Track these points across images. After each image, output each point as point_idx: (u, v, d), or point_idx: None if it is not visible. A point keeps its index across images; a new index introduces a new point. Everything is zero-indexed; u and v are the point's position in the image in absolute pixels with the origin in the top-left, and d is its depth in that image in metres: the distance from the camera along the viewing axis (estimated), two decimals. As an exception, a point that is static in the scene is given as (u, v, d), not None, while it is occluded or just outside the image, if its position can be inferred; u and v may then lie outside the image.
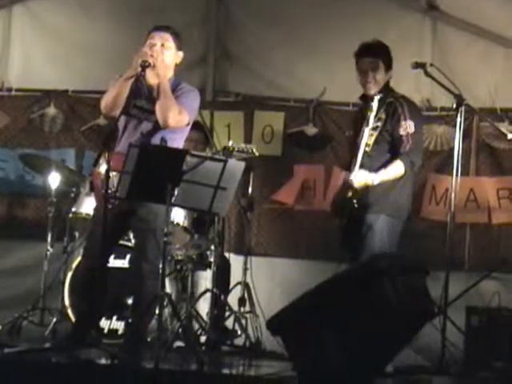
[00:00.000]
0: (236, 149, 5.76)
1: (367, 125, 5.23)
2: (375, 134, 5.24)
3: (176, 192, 4.91)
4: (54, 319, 6.14)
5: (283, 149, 7.14)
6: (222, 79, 7.36)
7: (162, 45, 5.28)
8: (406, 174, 5.25)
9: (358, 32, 6.33)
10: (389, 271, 4.22)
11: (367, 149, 5.24)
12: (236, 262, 6.51)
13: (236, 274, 6.39)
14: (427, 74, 5.28)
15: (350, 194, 5.18)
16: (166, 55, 5.28)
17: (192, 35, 7.18)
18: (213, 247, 6.01)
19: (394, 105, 5.27)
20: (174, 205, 5.02)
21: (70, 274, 6.06)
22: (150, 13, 6.95)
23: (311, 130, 7.07)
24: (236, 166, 5.07)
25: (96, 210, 5.35)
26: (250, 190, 6.36)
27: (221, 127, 7.14)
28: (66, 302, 6.01)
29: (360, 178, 5.16)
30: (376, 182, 5.19)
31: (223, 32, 7.30)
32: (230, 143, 5.81)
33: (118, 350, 4.95)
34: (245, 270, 6.26)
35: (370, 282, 4.18)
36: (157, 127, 5.23)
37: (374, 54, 5.39)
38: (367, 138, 5.24)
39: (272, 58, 7.17)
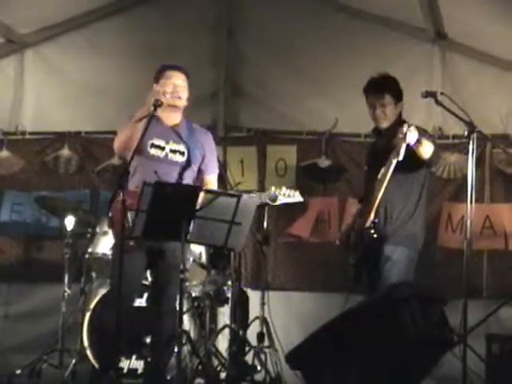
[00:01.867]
0: (282, 193, 5.69)
1: (395, 156, 5.18)
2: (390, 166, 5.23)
3: (191, 229, 4.92)
4: (74, 360, 6.11)
5: (297, 182, 7.14)
6: (233, 115, 7.40)
7: (184, 84, 5.36)
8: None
9: (368, 63, 6.37)
10: (406, 300, 4.20)
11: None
12: (253, 296, 6.50)
13: (253, 309, 6.37)
14: (438, 103, 5.27)
15: (368, 224, 5.19)
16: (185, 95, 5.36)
17: (202, 72, 7.23)
18: (230, 283, 6.00)
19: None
20: (190, 241, 5.03)
21: (88, 315, 6.04)
22: (159, 51, 7.01)
23: (324, 162, 7.09)
24: (250, 200, 5.09)
25: (116, 247, 5.31)
26: (265, 224, 6.36)
27: (234, 163, 7.17)
28: (85, 342, 6.00)
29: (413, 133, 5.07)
30: (422, 139, 5.07)
31: (233, 68, 7.35)
32: (273, 189, 5.68)
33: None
34: (262, 304, 6.24)
35: (389, 313, 4.16)
36: (172, 167, 5.28)
37: (381, 90, 5.43)
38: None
39: (283, 92, 7.20)
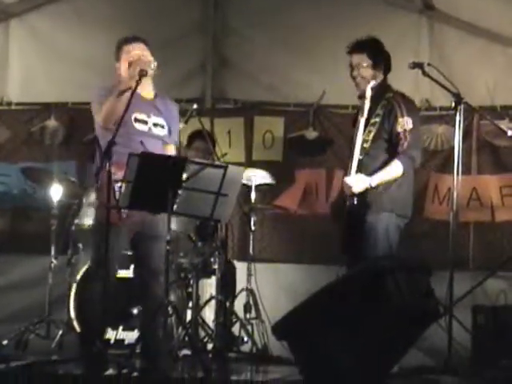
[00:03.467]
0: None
1: (362, 115, 5.20)
2: (373, 130, 5.20)
3: (177, 200, 4.91)
4: (60, 331, 6.13)
5: (284, 154, 7.14)
6: (220, 86, 7.37)
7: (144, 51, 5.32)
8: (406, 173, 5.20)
9: (355, 34, 6.31)
10: (392, 271, 4.21)
11: (365, 145, 5.20)
12: (240, 268, 6.51)
13: (240, 281, 6.39)
14: (425, 74, 5.27)
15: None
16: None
17: (189, 44, 7.21)
18: (217, 254, 6.01)
19: (391, 102, 5.23)
20: (176, 213, 5.01)
21: (74, 286, 6.04)
22: (146, 22, 6.97)
23: (311, 134, 7.07)
24: (237, 172, 5.08)
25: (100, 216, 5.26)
26: (252, 195, 6.35)
27: (221, 134, 7.15)
28: (72, 314, 6.00)
29: (358, 184, 5.11)
30: (374, 185, 5.14)
31: (220, 39, 7.32)
32: None
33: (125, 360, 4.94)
34: (249, 276, 6.26)
35: (373, 283, 4.17)
36: (156, 141, 5.29)
37: (354, 49, 5.36)
38: (366, 134, 5.22)
39: (270, 64, 7.18)
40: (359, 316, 4.19)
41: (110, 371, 4.80)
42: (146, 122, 5.30)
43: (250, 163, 7.01)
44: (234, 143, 7.20)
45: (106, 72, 6.85)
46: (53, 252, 6.42)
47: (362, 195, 5.15)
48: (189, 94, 7.21)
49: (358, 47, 5.36)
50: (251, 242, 6.42)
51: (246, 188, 6.29)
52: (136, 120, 5.26)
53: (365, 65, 5.33)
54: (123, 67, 5.29)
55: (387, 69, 5.38)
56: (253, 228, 6.41)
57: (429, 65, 5.27)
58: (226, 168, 4.92)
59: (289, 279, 6.92)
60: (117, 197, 4.97)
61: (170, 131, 5.35)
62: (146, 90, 5.34)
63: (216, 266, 6.01)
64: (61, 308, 6.30)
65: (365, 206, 5.14)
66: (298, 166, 7.12)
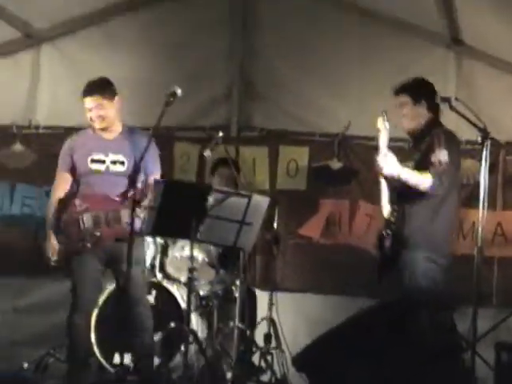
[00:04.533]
0: None
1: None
2: (412, 164, 5.20)
3: (201, 227, 4.91)
4: (80, 356, 6.11)
5: (308, 183, 7.14)
6: (246, 115, 7.39)
7: (98, 106, 5.53)
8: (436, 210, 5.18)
9: (383, 67, 6.35)
10: (416, 307, 4.18)
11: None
12: (261, 297, 6.48)
13: (261, 310, 6.37)
14: (452, 108, 5.26)
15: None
16: (107, 113, 5.55)
17: (216, 71, 7.25)
18: (238, 282, 6.00)
19: (433, 137, 5.23)
20: (199, 240, 5.02)
21: (95, 311, 6.04)
22: (174, 49, 7.02)
23: (336, 165, 7.06)
24: (261, 200, 5.08)
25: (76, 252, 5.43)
26: (275, 224, 6.34)
27: (246, 162, 7.16)
28: (92, 338, 5.99)
29: (388, 166, 5.07)
30: (401, 176, 5.06)
31: (247, 67, 7.35)
32: None
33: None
34: (270, 305, 6.23)
35: (397, 319, 4.14)
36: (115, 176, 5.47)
37: (399, 92, 5.39)
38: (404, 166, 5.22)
39: (296, 93, 7.19)
40: (382, 350, 4.17)
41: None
42: (103, 162, 5.48)
43: (274, 191, 7.00)
44: (259, 171, 7.21)
45: (135, 96, 6.95)
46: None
47: (398, 231, 5.12)
48: (215, 122, 7.24)
49: (400, 89, 5.39)
50: (273, 270, 6.41)
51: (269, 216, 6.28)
52: (92, 161, 5.48)
53: (407, 105, 5.35)
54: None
55: (433, 107, 5.35)
56: (275, 257, 6.39)
57: (456, 99, 5.25)
58: (250, 197, 4.93)
59: (310, 309, 6.88)
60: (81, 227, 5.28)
61: (135, 165, 5.35)
62: (108, 130, 5.58)
63: (237, 295, 5.98)
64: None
65: (401, 242, 5.09)
66: (321, 195, 7.11)
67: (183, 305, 5.72)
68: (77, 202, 5.40)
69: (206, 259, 6.09)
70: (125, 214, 5.26)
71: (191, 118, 7.31)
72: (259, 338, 6.23)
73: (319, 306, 6.85)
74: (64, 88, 7.34)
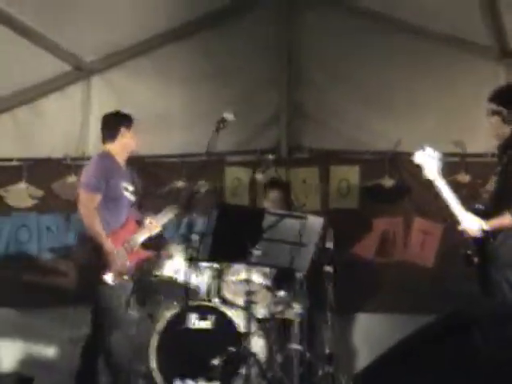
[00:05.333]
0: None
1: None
2: (495, 179, 5.14)
3: (256, 250, 4.94)
4: (141, 382, 6.15)
5: (360, 202, 7.12)
6: (295, 136, 7.42)
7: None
8: None
9: (431, 83, 6.32)
10: (479, 320, 4.12)
11: (485, 195, 5.16)
12: (318, 318, 6.46)
13: (319, 331, 6.35)
14: (505, 121, 5.20)
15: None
16: None
17: (264, 94, 7.30)
18: (295, 304, 5.99)
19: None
20: (255, 263, 5.04)
21: (155, 337, 6.08)
22: (222, 75, 7.09)
23: (388, 182, 7.05)
24: (315, 221, 5.09)
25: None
26: (329, 244, 6.33)
27: (297, 183, 7.17)
28: (153, 364, 6.02)
29: (472, 225, 5.03)
30: (486, 228, 4.99)
31: (294, 90, 7.37)
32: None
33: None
34: (329, 326, 6.20)
35: (459, 333, 4.10)
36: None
37: (491, 98, 5.23)
38: (489, 184, 5.18)
39: (344, 112, 7.21)
40: (443, 367, 4.12)
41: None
42: (127, 190, 5.76)
43: (326, 212, 7.00)
44: (310, 192, 7.21)
45: (184, 125, 7.02)
46: (131, 304, 6.47)
47: (481, 248, 5.04)
48: (265, 145, 7.29)
49: (492, 95, 5.24)
50: (329, 291, 6.37)
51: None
52: (125, 189, 5.73)
53: (495, 117, 5.20)
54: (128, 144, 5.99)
55: None
56: (330, 277, 6.37)
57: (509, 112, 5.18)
58: (305, 218, 4.95)
59: (369, 329, 6.84)
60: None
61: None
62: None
63: (294, 316, 5.97)
64: (141, 359, 6.33)
65: (486, 260, 5.01)
66: (374, 213, 7.09)
67: (241, 328, 5.72)
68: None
69: (263, 282, 6.09)
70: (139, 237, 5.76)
71: (241, 142, 7.36)
72: (319, 360, 6.21)
73: (377, 325, 6.80)
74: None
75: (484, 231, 5.01)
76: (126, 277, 5.52)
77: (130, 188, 5.78)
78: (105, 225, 5.59)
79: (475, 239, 5.04)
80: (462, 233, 5.10)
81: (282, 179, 6.75)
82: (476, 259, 5.03)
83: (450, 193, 5.13)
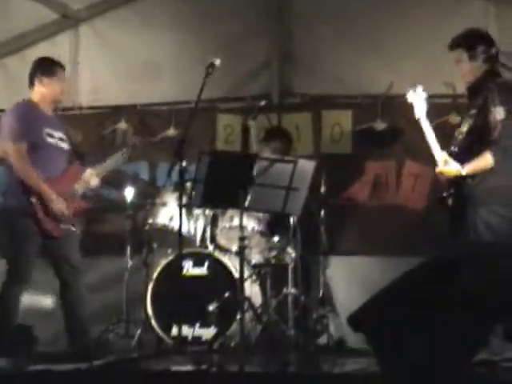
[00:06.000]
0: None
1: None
2: (469, 122, 5.14)
3: (249, 196, 4.95)
4: (139, 330, 6.22)
5: (353, 146, 7.12)
6: (287, 81, 7.37)
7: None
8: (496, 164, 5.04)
9: (421, 24, 6.28)
10: (472, 257, 4.15)
11: (460, 137, 5.15)
12: (312, 262, 6.51)
13: (313, 274, 6.40)
14: (471, 62, 5.19)
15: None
16: None
17: (254, 40, 7.24)
18: (289, 249, 6.03)
19: (486, 92, 5.10)
20: (248, 209, 5.06)
21: (150, 286, 6.13)
22: (210, 21, 7.04)
23: (380, 126, 7.03)
24: (306, 165, 5.10)
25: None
26: (321, 189, 6.35)
27: (289, 129, 7.14)
28: (149, 312, 6.08)
29: (450, 170, 5.05)
30: (464, 173, 5.00)
31: (285, 34, 7.32)
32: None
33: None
34: (322, 269, 6.26)
35: (450, 272, 4.13)
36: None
37: (452, 47, 5.28)
38: (462, 126, 5.18)
39: (336, 56, 7.15)
40: (435, 306, 4.16)
41: (189, 367, 4.86)
42: (53, 136, 5.70)
43: (319, 157, 7.01)
44: (303, 138, 7.21)
45: (173, 73, 6.98)
46: (128, 252, 6.51)
47: (457, 190, 5.06)
48: (255, 91, 7.25)
49: (454, 43, 5.28)
50: (322, 235, 6.41)
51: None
52: (47, 134, 5.66)
53: (463, 60, 5.24)
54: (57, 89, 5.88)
55: (490, 58, 5.23)
56: (323, 221, 6.41)
57: (498, 52, 5.17)
58: (296, 162, 4.95)
59: (361, 271, 6.86)
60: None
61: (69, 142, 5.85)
62: (49, 110, 5.83)
63: (289, 261, 6.02)
64: (138, 307, 6.39)
65: (461, 202, 5.03)
66: (367, 157, 7.09)
67: (236, 274, 5.77)
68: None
69: (256, 227, 6.12)
70: (78, 188, 5.77)
71: (232, 89, 7.33)
72: (314, 303, 6.28)
73: (370, 267, 6.82)
74: (103, 67, 7.44)
75: (461, 176, 5.02)
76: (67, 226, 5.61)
77: (57, 135, 5.73)
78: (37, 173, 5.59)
79: (451, 182, 5.06)
80: (438, 175, 5.13)
81: (283, 128, 6.74)
82: (450, 201, 5.05)
83: (432, 134, 5.15)
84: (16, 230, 5.55)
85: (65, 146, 5.80)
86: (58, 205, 5.54)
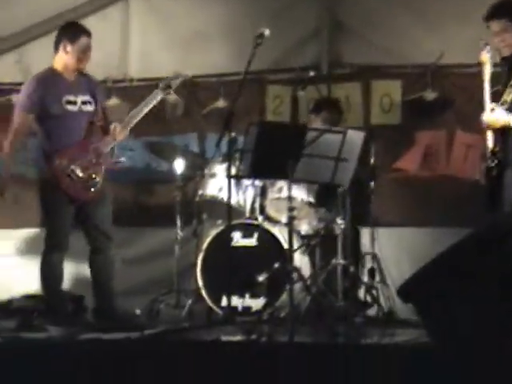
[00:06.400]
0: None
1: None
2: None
3: (298, 167, 4.94)
4: (190, 301, 6.26)
5: (402, 117, 7.06)
6: (336, 51, 7.31)
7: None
8: None
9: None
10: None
11: (505, 105, 5.09)
12: (363, 233, 6.49)
13: (363, 246, 6.39)
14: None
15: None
16: None
17: (302, 10, 7.20)
18: (338, 220, 6.02)
19: None
20: (297, 180, 5.05)
21: (201, 256, 6.16)
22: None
23: (430, 95, 6.95)
24: (355, 136, 5.08)
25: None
26: (371, 159, 6.31)
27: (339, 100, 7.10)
28: (200, 283, 6.12)
29: (498, 119, 4.99)
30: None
31: (335, 3, 7.26)
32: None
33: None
34: (372, 240, 6.24)
35: (499, 242, 4.09)
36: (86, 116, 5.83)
37: (498, 16, 5.19)
38: (506, 94, 5.11)
39: (386, 26, 7.08)
40: (485, 277, 4.12)
41: (239, 337, 4.90)
42: (75, 103, 5.71)
43: (368, 127, 6.96)
44: (352, 108, 7.16)
45: (225, 44, 6.99)
46: (178, 224, 6.55)
47: (504, 155, 5.02)
48: (304, 62, 7.22)
49: (495, 13, 5.19)
50: (373, 206, 6.38)
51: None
52: (66, 102, 5.68)
53: (504, 32, 5.16)
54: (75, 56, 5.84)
55: None
56: (373, 192, 6.38)
57: None
58: (344, 133, 4.93)
59: (411, 242, 6.84)
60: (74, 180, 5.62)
61: (95, 103, 5.82)
62: (73, 75, 5.82)
63: (339, 232, 6.01)
64: (188, 278, 6.44)
65: (505, 166, 5.01)
66: (417, 128, 7.03)
67: (285, 245, 5.78)
68: (56, 161, 5.64)
69: (305, 198, 6.11)
70: (104, 146, 5.80)
71: (281, 60, 7.30)
72: (363, 274, 6.26)
73: (420, 238, 6.79)
74: (154, 39, 7.46)
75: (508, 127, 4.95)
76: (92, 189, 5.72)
77: (80, 99, 5.76)
78: (56, 142, 5.68)
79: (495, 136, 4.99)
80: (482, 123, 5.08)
81: (333, 98, 6.70)
82: (495, 172, 4.99)
83: (488, 86, 5.09)
84: (47, 200, 5.74)
85: (90, 108, 5.82)
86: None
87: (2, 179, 5.74)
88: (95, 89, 5.90)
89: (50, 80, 5.74)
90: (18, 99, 5.84)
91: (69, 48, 5.73)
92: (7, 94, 7.33)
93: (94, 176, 5.71)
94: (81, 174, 5.66)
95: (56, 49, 5.79)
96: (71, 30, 5.80)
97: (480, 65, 5.24)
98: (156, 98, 6.02)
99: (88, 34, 5.80)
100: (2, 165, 5.79)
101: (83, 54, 5.76)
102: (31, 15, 7.25)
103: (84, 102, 5.79)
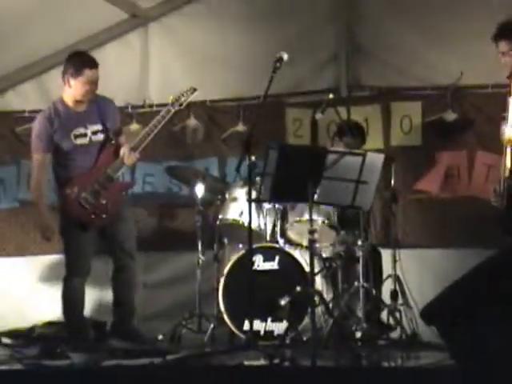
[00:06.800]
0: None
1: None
2: None
3: (318, 189, 4.94)
4: (212, 325, 6.26)
5: (423, 138, 7.04)
6: (355, 74, 7.31)
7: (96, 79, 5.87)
8: None
9: (489, 12, 6.17)
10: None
11: None
12: (384, 255, 6.47)
13: (385, 267, 6.35)
14: None
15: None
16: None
17: (322, 34, 7.22)
18: (360, 242, 6.00)
19: None
20: (317, 202, 5.04)
21: (222, 280, 6.15)
22: (279, 16, 7.04)
23: (450, 116, 6.94)
24: (375, 158, 5.07)
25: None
26: (392, 181, 6.30)
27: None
28: (221, 307, 6.11)
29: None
30: None
31: (353, 27, 7.27)
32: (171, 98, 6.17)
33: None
34: (394, 262, 6.21)
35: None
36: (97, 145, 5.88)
37: (506, 37, 5.21)
38: None
39: (404, 48, 7.09)
40: (508, 299, 4.09)
41: (261, 362, 4.88)
42: (85, 135, 5.76)
43: (388, 149, 6.96)
44: (372, 130, 7.16)
45: (243, 69, 7.01)
46: (200, 248, 6.55)
47: None
48: (324, 84, 7.23)
49: (503, 33, 5.21)
50: (395, 228, 6.36)
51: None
52: (76, 136, 5.75)
53: (509, 52, 5.17)
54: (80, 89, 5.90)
55: None
56: (395, 214, 6.36)
57: None
58: (364, 155, 4.92)
59: (434, 264, 6.81)
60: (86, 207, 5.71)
61: (106, 129, 5.84)
62: (81, 106, 5.85)
63: (360, 254, 5.99)
64: (210, 302, 6.43)
65: None
66: (437, 148, 7.01)
67: (307, 268, 5.76)
68: (67, 190, 5.72)
69: (326, 221, 6.10)
70: (113, 172, 5.81)
71: (300, 83, 7.31)
72: (386, 296, 6.23)
73: (443, 260, 6.77)
74: (173, 64, 7.51)
75: None
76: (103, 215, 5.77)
77: (91, 129, 5.81)
78: (68, 172, 5.80)
79: None
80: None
81: (356, 122, 6.69)
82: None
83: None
84: (64, 227, 5.83)
85: (101, 136, 5.85)
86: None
87: (41, 227, 5.87)
88: (107, 115, 5.92)
89: (56, 116, 5.81)
90: (30, 142, 5.90)
91: (72, 82, 5.76)
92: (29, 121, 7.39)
93: (105, 202, 5.75)
94: (92, 201, 5.73)
95: (63, 81, 5.83)
96: (74, 63, 5.79)
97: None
98: (164, 115, 6.07)
99: (93, 64, 5.79)
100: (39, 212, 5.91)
101: (88, 87, 5.77)
102: (54, 43, 7.31)
103: (94, 132, 5.84)
